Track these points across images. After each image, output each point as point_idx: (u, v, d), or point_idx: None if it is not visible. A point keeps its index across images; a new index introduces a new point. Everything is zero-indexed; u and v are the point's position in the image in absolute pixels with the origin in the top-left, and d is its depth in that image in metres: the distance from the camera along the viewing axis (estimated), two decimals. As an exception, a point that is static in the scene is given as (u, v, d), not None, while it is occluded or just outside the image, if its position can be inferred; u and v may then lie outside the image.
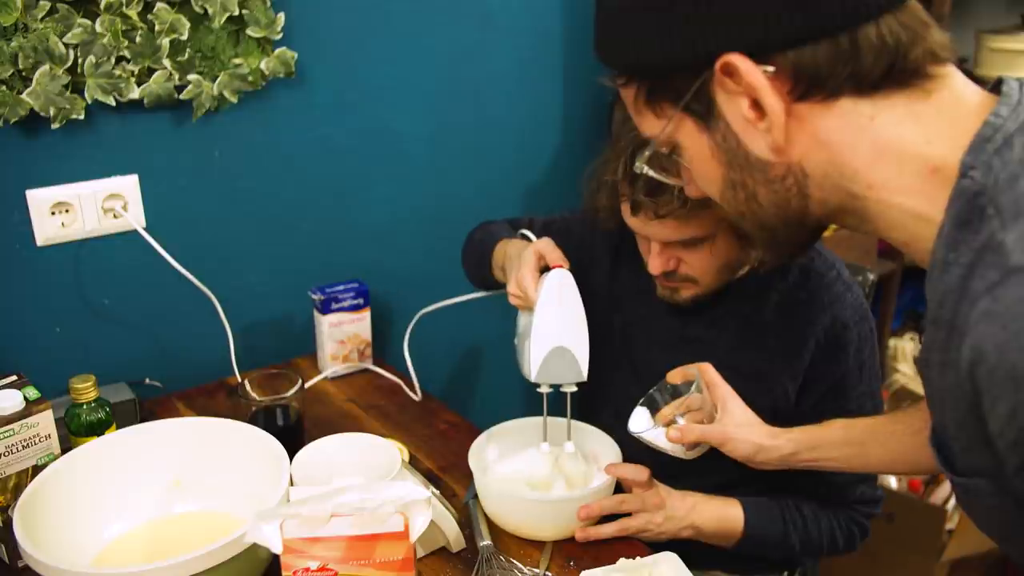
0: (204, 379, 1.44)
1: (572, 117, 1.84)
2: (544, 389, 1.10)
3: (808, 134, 0.63)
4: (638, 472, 1.08)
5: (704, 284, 1.11)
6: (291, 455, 0.99)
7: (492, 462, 1.15)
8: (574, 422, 1.16)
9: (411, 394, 1.43)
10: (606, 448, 1.13)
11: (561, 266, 1.09)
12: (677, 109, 0.66)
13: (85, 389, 1.06)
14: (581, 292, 1.13)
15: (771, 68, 0.60)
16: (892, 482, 2.15)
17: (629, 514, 1.08)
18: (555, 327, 1.07)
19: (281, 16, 1.34)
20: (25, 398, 1.00)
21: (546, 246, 1.12)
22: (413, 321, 1.44)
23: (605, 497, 1.07)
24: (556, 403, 1.13)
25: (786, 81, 0.60)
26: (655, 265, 1.09)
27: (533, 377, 1.08)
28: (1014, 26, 2.28)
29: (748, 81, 0.60)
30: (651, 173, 0.77)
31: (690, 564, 0.97)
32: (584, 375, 1.08)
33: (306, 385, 1.33)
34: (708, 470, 1.20)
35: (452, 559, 1.03)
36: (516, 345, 1.16)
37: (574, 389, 1.10)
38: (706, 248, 1.06)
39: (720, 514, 1.13)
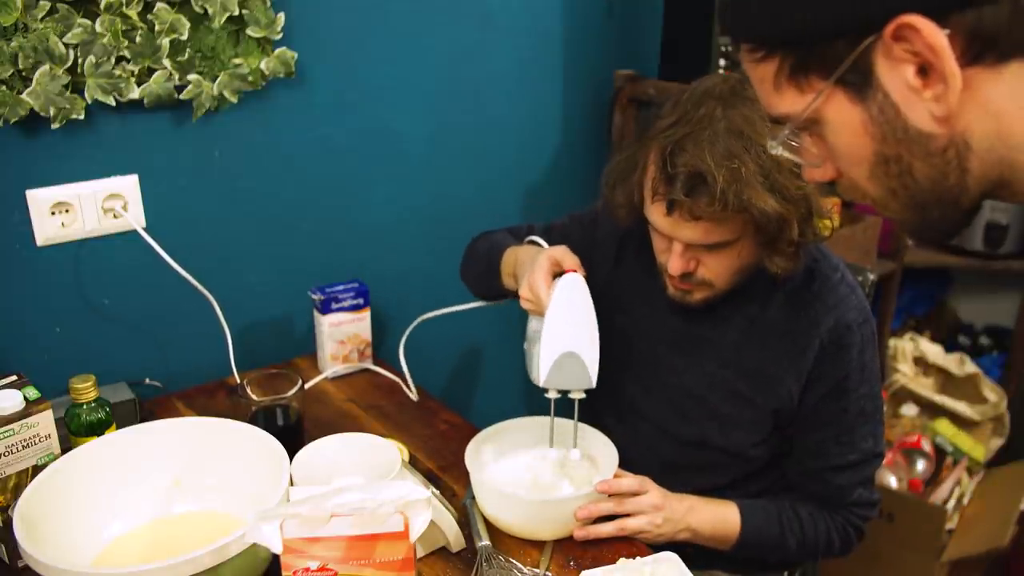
0: (204, 379, 1.44)
1: (572, 117, 1.84)
2: (552, 395, 1.09)
3: (976, 102, 0.57)
4: (633, 485, 1.08)
5: (719, 287, 1.10)
6: (291, 455, 0.99)
7: (489, 463, 1.15)
8: (574, 422, 1.16)
9: (409, 394, 1.43)
10: (605, 450, 1.13)
11: (575, 271, 1.09)
12: (828, 82, 0.60)
13: (85, 389, 1.06)
14: None
15: (947, 30, 0.55)
16: (892, 482, 2.15)
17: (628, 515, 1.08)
18: (566, 332, 1.06)
19: (281, 16, 1.34)
20: (25, 398, 1.00)
21: (561, 252, 1.11)
22: (412, 325, 1.44)
23: (606, 500, 1.07)
24: (562, 408, 1.13)
25: (958, 44, 0.56)
26: (676, 266, 1.07)
27: (542, 382, 1.07)
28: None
29: (929, 44, 0.55)
30: (786, 155, 0.70)
31: (690, 564, 0.97)
32: (593, 382, 1.07)
33: (306, 385, 1.33)
34: (706, 472, 1.21)
35: (452, 559, 1.03)
36: (525, 350, 1.16)
37: (582, 396, 1.09)
38: (728, 252, 1.06)
39: (716, 516, 1.13)
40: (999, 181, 0.61)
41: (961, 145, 0.60)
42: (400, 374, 1.48)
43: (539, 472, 1.14)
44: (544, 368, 1.06)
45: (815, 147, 0.68)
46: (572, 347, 1.06)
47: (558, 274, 1.10)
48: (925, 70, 0.57)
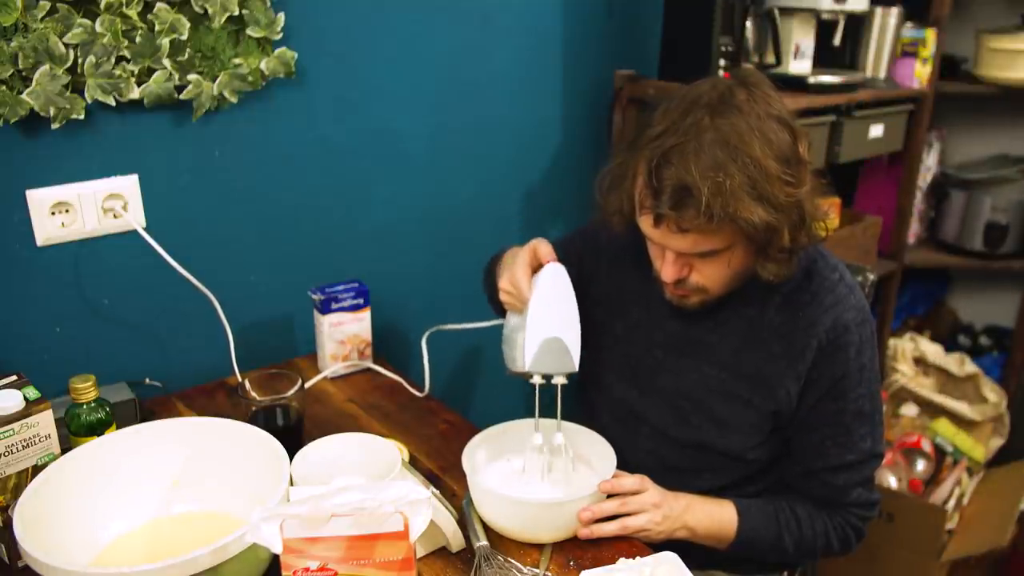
0: (204, 379, 1.44)
1: (572, 117, 1.84)
2: (536, 380, 1.11)
3: None
4: (634, 484, 1.08)
5: (713, 292, 1.11)
6: (291, 455, 0.99)
7: (484, 467, 1.15)
8: (573, 424, 1.16)
9: (414, 391, 1.43)
10: (603, 452, 1.13)
11: (553, 261, 1.11)
12: None
13: (85, 389, 1.06)
14: (583, 302, 1.14)
15: None
16: (892, 482, 2.15)
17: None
18: (549, 318, 1.09)
19: (281, 16, 1.34)
20: (25, 398, 1.00)
21: (540, 244, 1.13)
22: (426, 334, 1.47)
23: (607, 500, 1.07)
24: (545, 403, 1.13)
25: None
26: (669, 273, 1.08)
27: (527, 366, 1.08)
28: (1014, 26, 2.28)
29: None
30: None
31: (690, 564, 0.97)
32: (576, 366, 1.09)
33: (306, 385, 1.33)
34: (706, 474, 1.21)
35: (452, 559, 1.03)
36: (505, 336, 1.16)
37: (564, 381, 1.11)
38: (720, 259, 1.06)
39: (713, 515, 1.13)
40: None
41: None
42: (400, 372, 1.49)
43: (527, 463, 1.15)
44: (529, 353, 1.08)
45: None
46: (556, 332, 1.09)
47: (537, 268, 1.12)
48: None
